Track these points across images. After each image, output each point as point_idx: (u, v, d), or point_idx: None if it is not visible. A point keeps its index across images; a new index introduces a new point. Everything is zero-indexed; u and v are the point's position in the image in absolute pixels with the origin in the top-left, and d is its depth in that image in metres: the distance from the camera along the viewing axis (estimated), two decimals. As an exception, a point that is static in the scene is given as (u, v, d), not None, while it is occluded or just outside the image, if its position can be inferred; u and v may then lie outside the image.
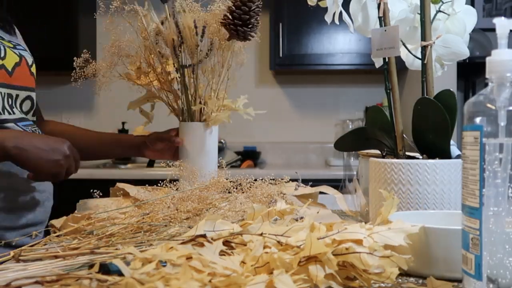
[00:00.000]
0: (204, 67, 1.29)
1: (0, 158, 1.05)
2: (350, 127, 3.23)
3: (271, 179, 0.98)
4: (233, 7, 1.19)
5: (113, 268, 0.56)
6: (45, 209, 1.26)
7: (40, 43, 3.02)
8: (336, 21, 0.97)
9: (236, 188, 0.97)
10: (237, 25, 1.19)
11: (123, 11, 1.26)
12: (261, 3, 1.23)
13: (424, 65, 0.92)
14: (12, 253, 0.67)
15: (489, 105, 0.56)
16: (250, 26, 1.20)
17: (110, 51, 1.29)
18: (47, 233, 1.08)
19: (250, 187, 0.97)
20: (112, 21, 1.27)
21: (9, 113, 1.17)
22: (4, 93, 1.16)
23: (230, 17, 1.19)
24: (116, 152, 1.56)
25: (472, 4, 3.09)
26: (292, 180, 1.09)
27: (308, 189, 1.18)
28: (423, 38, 0.92)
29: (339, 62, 3.04)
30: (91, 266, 0.58)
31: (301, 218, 0.88)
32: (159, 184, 1.03)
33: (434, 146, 0.89)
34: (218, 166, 1.29)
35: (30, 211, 1.21)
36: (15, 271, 0.62)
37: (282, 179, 1.03)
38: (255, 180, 0.99)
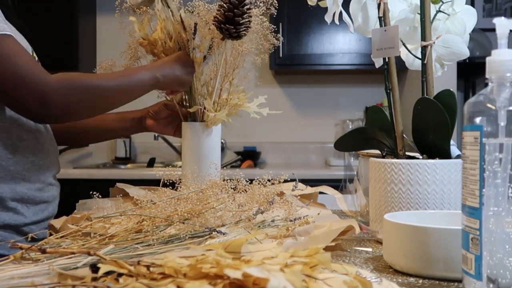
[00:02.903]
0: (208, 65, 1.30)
1: (151, 86, 1.20)
2: (350, 127, 3.23)
3: (268, 180, 0.98)
4: (225, 7, 1.18)
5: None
6: (56, 204, 1.26)
7: (40, 43, 3.02)
8: (336, 21, 0.97)
9: (234, 189, 0.97)
10: (227, 24, 1.18)
11: (132, 12, 1.27)
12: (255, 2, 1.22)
13: (424, 65, 0.92)
14: (12, 256, 0.67)
15: (489, 105, 0.56)
16: (241, 24, 1.19)
17: (129, 53, 1.30)
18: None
19: (247, 190, 0.97)
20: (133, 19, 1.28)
21: None
22: None
23: (221, 17, 1.19)
24: (119, 127, 1.47)
25: (472, 4, 3.09)
26: (293, 180, 1.09)
27: (308, 189, 1.18)
28: (423, 38, 0.92)
29: (339, 62, 3.04)
30: (91, 266, 0.58)
31: (298, 218, 0.88)
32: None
33: (434, 146, 0.89)
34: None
35: (50, 203, 1.21)
36: (13, 271, 0.62)
37: (279, 180, 1.02)
38: (251, 181, 0.98)
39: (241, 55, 1.29)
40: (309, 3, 0.99)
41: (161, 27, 1.27)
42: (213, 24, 1.21)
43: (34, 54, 1.21)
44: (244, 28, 1.20)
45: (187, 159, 1.29)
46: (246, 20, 1.20)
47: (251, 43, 1.30)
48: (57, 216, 1.03)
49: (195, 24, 1.25)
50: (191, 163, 1.27)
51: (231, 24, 1.19)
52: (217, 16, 1.19)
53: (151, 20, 1.29)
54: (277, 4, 1.28)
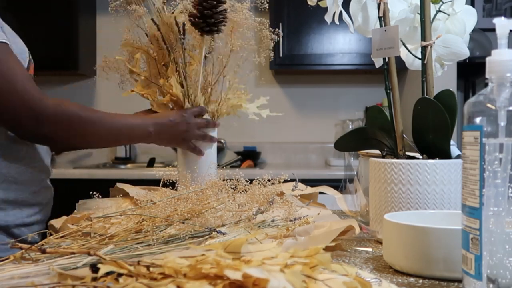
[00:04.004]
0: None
1: (140, 137, 1.21)
2: (350, 127, 3.23)
3: (268, 180, 0.98)
4: (196, 1, 1.17)
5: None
6: (50, 207, 1.26)
7: (40, 43, 3.02)
8: (336, 21, 0.97)
9: (234, 189, 0.97)
10: (196, 18, 1.17)
11: (130, 11, 1.26)
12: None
13: (424, 65, 0.92)
14: (12, 256, 0.67)
15: (489, 105, 0.56)
16: (212, 18, 1.17)
17: (128, 51, 1.30)
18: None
19: (247, 190, 0.96)
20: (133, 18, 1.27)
21: None
22: None
23: (195, 11, 1.17)
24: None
25: (472, 4, 3.09)
26: (293, 180, 1.09)
27: (308, 189, 1.18)
28: (423, 38, 0.92)
29: (339, 62, 3.04)
30: (91, 266, 0.58)
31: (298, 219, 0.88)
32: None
33: (434, 146, 0.89)
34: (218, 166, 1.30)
35: (44, 206, 1.21)
36: (13, 271, 0.62)
37: (279, 180, 1.01)
38: (251, 181, 0.98)
39: (232, 53, 1.27)
40: (309, 3, 0.98)
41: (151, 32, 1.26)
42: (189, 19, 1.20)
43: (30, 56, 1.21)
44: (215, 22, 1.17)
45: (180, 159, 1.29)
46: (219, 14, 1.17)
47: (243, 40, 1.28)
48: (57, 216, 1.03)
49: (183, 24, 1.23)
50: (184, 163, 1.27)
51: (200, 18, 1.17)
52: (193, 11, 1.18)
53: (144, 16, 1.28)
54: None
